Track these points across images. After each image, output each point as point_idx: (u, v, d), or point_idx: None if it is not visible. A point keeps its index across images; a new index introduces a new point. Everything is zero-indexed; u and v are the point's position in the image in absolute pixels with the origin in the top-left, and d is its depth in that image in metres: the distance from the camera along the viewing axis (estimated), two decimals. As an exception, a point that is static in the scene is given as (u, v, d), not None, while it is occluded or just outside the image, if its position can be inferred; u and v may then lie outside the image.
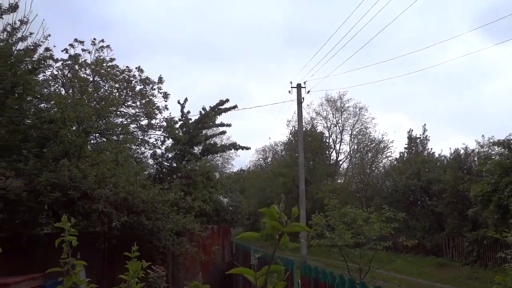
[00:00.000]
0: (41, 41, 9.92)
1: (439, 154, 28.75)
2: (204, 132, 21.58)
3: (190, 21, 75.75)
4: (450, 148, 26.37)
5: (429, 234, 24.67)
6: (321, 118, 45.06)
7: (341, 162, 45.71)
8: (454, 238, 22.23)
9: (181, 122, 20.54)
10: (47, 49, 10.27)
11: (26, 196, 7.76)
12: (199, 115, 20.56)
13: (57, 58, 14.92)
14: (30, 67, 9.75)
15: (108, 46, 17.27)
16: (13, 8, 8.90)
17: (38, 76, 10.86)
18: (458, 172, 23.14)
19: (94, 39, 17.04)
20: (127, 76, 18.00)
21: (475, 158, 24.50)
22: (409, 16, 68.13)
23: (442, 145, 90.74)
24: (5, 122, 8.24)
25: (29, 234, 9.45)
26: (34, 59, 9.90)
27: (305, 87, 23.04)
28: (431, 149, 30.40)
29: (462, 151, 25.11)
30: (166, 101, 18.84)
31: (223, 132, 23.11)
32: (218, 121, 21.27)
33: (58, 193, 8.13)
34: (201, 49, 77.04)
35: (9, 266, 8.90)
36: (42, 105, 10.51)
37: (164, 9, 75.40)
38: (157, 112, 18.57)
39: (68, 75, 16.04)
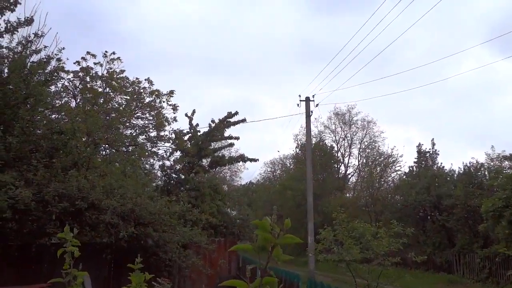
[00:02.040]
0: (55, 54, 10.14)
1: (449, 169, 28.44)
2: (212, 144, 21.68)
3: (203, 35, 76.73)
4: (463, 163, 25.97)
5: (439, 250, 24.27)
6: (330, 131, 45.00)
7: (349, 176, 45.44)
8: (465, 254, 21.83)
9: (190, 134, 20.66)
10: (58, 60, 10.47)
11: (34, 206, 7.84)
12: (208, 128, 20.70)
13: (68, 70, 15.18)
14: (43, 79, 9.94)
15: (118, 58, 17.53)
16: (28, 22, 9.13)
17: (50, 87, 11.05)
18: (468, 187, 22.83)
19: (106, 51, 17.31)
20: (137, 88, 18.21)
21: (486, 173, 24.18)
22: (420, 30, 68.14)
23: (452, 160, 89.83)
24: (16, 132, 8.38)
25: (37, 243, 9.52)
26: (47, 71, 10.10)
27: (313, 101, 23.06)
28: (441, 163, 30.06)
29: (472, 165, 24.82)
30: (175, 113, 18.99)
31: (231, 145, 23.19)
32: (226, 134, 21.39)
33: (66, 203, 8.20)
34: (213, 62, 77.76)
35: (18, 275, 8.95)
36: (53, 116, 10.68)
37: (177, 24, 76.55)
38: (166, 124, 18.71)
39: (79, 87, 16.28)
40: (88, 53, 16.60)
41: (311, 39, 68.72)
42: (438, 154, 30.73)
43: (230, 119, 21.01)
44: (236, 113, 21.09)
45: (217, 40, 75.55)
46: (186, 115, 21.00)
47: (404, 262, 18.87)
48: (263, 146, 75.25)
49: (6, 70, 8.85)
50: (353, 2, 69.53)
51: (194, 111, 21.20)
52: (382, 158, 41.39)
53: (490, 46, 77.03)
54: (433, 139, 31.45)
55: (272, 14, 71.30)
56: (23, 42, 9.42)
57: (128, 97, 18.01)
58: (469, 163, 25.32)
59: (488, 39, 69.95)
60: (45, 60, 9.87)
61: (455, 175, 26.80)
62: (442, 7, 66.58)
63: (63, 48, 10.74)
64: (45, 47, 9.80)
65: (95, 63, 16.87)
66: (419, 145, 31.00)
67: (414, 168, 30.76)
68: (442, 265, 23.48)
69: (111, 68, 17.37)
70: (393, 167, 40.55)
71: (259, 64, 77.23)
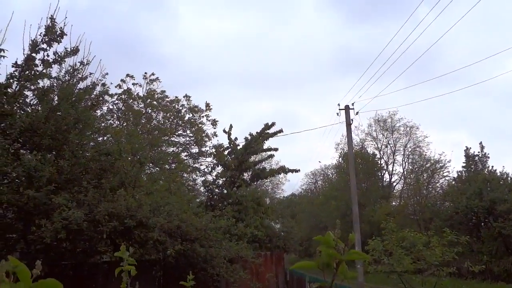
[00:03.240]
0: (99, 80, 10.59)
1: (500, 172, 26.96)
2: (252, 157, 21.74)
3: (240, 52, 78.29)
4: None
5: (496, 258, 22.92)
6: (371, 138, 44.04)
7: (395, 184, 44.12)
8: (526, 262, 20.52)
9: (229, 149, 20.85)
10: (103, 85, 10.93)
11: (86, 226, 8.11)
12: (244, 141, 20.80)
13: (112, 94, 15.81)
14: (89, 104, 10.38)
15: (157, 79, 18.08)
16: (74, 51, 9.60)
17: (97, 111, 11.53)
18: (525, 190, 21.55)
19: (145, 73, 17.93)
20: (176, 106, 18.66)
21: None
22: (460, 32, 65.93)
23: (504, 162, 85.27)
24: (67, 156, 8.75)
25: (90, 262, 9.83)
26: (92, 96, 10.56)
27: (353, 109, 22.69)
28: (492, 166, 28.58)
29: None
30: (215, 128, 19.27)
31: (271, 156, 23.16)
32: (265, 146, 21.40)
33: (116, 222, 8.43)
34: (251, 77, 79.02)
35: (72, 294, 9.26)
36: (99, 138, 11.09)
37: (214, 43, 78.47)
38: (206, 139, 19.01)
39: (122, 108, 16.89)
40: (127, 75, 17.25)
41: (348, 48, 68.31)
42: (488, 157, 29.33)
43: (267, 131, 21.04)
44: (273, 124, 21.10)
45: (255, 55, 76.81)
46: (224, 131, 21.25)
47: (459, 272, 17.95)
48: (304, 157, 74.93)
49: (56, 98, 9.31)
50: (386, 9, 68.48)
51: (231, 126, 21.41)
52: (429, 164, 39.91)
53: (537, 40, 73.02)
54: (481, 142, 30.09)
55: (307, 27, 71.63)
56: (70, 70, 9.90)
57: (168, 115, 18.49)
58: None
59: (534, 33, 66.39)
60: (91, 86, 10.32)
61: (509, 178, 25.40)
62: (481, 6, 64.14)
63: (107, 74, 11.20)
64: (91, 73, 10.26)
65: (133, 84, 17.49)
66: (467, 149, 29.72)
67: (463, 173, 29.46)
68: (500, 274, 22.13)
69: (151, 89, 17.94)
70: (441, 172, 38.99)
71: (296, 76, 77.60)
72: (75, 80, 9.93)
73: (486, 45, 56.54)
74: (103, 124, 13.12)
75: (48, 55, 9.27)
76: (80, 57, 9.93)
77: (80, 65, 9.89)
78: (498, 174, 26.85)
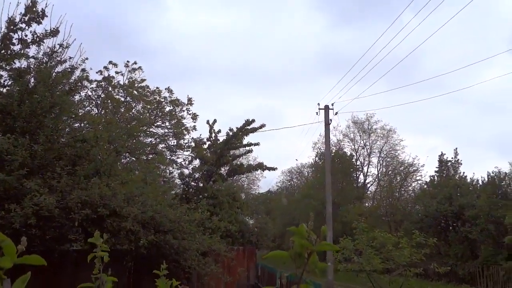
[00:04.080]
0: (78, 64, 10.38)
1: (471, 178, 27.82)
2: (231, 152, 21.74)
3: (227, 47, 78.00)
4: (487, 173, 25.39)
5: (462, 261, 23.67)
6: (348, 140, 44.65)
7: (369, 185, 44.89)
8: (489, 266, 21.24)
9: (209, 142, 20.80)
10: (83, 70, 10.72)
11: (58, 213, 7.97)
12: (226, 136, 20.78)
13: (92, 80, 15.52)
14: (67, 88, 10.17)
15: (140, 68, 17.84)
16: (54, 33, 9.36)
17: (74, 97, 11.30)
18: (492, 197, 22.28)
19: (128, 61, 17.64)
20: (157, 97, 18.47)
21: (510, 182, 23.59)
22: (442, 39, 67.36)
23: (476, 169, 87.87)
24: (41, 140, 8.57)
25: (60, 250, 9.66)
26: (71, 81, 10.34)
27: (333, 109, 22.93)
28: (463, 173, 29.46)
29: (496, 175, 24.25)
30: (194, 122, 19.18)
31: (250, 151, 23.21)
32: (245, 141, 21.45)
33: (88, 210, 8.31)
34: (236, 73, 78.92)
35: (40, 280, 9.09)
36: (76, 124, 10.88)
37: (201, 36, 77.98)
38: (185, 132, 18.89)
39: (102, 96, 16.60)
40: (110, 62, 16.95)
41: (334, 49, 68.90)
42: (461, 164, 30.18)
43: (248, 127, 21.08)
44: (253, 120, 21.15)
45: (241, 51, 76.65)
46: (207, 122, 21.17)
47: (426, 273, 18.48)
48: (282, 155, 75.35)
49: (32, 80, 9.09)
50: (374, 12, 69.35)
51: (215, 120, 21.36)
52: (403, 168, 40.78)
53: (512, 53, 75.43)
54: (456, 148, 30.93)
55: (294, 26, 71.92)
56: (49, 53, 9.66)
57: (149, 106, 18.28)
58: (493, 173, 24.76)
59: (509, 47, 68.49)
60: (69, 70, 10.10)
61: (478, 185, 26.22)
62: (464, 16, 65.77)
63: (87, 58, 11.00)
64: (70, 57, 10.05)
65: (116, 72, 17.21)
66: (442, 155, 30.50)
67: (436, 178, 30.24)
68: (464, 277, 22.88)
69: (132, 78, 17.69)
70: (414, 176, 39.90)
71: (281, 74, 77.86)
72: (53, 62, 9.70)
73: (465, 54, 58.00)
74: (80, 110, 12.88)
75: (26, 35, 9.03)
76: (60, 40, 9.70)
77: (59, 48, 9.66)
78: (469, 180, 27.68)
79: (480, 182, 26.14)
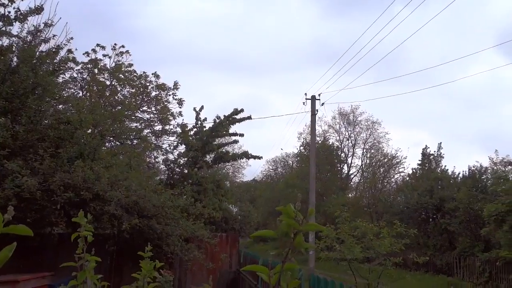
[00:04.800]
0: (64, 44, 10.15)
1: (452, 172, 28.36)
2: (217, 140, 21.66)
3: (217, 33, 77.30)
4: (468, 166, 25.90)
5: (440, 252, 24.24)
6: (334, 131, 44.96)
7: (352, 176, 45.40)
8: (466, 257, 21.80)
9: (195, 129, 20.68)
10: (69, 51, 10.49)
11: (40, 195, 7.88)
12: (213, 123, 20.68)
13: (78, 61, 15.23)
14: (51, 68, 9.96)
15: (127, 52, 17.56)
16: (38, 10, 9.12)
17: (59, 78, 11.08)
18: (472, 191, 22.77)
19: (115, 44, 17.34)
20: (143, 82, 18.24)
21: (489, 176, 24.13)
22: (430, 34, 67.79)
23: (458, 163, 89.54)
24: (24, 121, 8.42)
25: (41, 232, 9.57)
26: (55, 61, 10.12)
27: (319, 99, 23.03)
28: (445, 166, 29.99)
29: (476, 169, 24.76)
30: (180, 107, 19.03)
31: (236, 141, 23.17)
32: (231, 131, 21.38)
33: (71, 194, 8.24)
34: (225, 60, 78.40)
35: (20, 264, 9.01)
36: (60, 106, 10.70)
37: (191, 22, 77.00)
38: (171, 118, 18.74)
39: (87, 79, 16.32)
40: (98, 45, 16.64)
41: (323, 40, 68.85)
42: (443, 157, 30.67)
43: (235, 116, 21.00)
44: (242, 110, 21.05)
45: (231, 39, 76.09)
46: (194, 109, 21.02)
47: (405, 263, 18.88)
48: (268, 144, 75.53)
49: (15, 59, 8.87)
50: (365, 4, 69.37)
51: (202, 107, 21.18)
52: (386, 159, 41.32)
53: (500, 52, 76.66)
54: (440, 142, 31.39)
55: (285, 15, 71.56)
56: (33, 31, 9.43)
57: (134, 90, 18.05)
58: (473, 167, 25.26)
59: (498, 44, 69.45)
60: (54, 50, 9.88)
61: (459, 179, 26.75)
62: (452, 12, 66.26)
63: (72, 38, 10.77)
64: (54, 35, 9.82)
65: (104, 55, 16.92)
66: (425, 148, 30.94)
67: (418, 170, 30.72)
68: (442, 268, 23.46)
69: (119, 61, 17.41)
70: (397, 168, 40.50)
71: (271, 63, 77.67)
72: (37, 41, 9.47)
73: (453, 49, 58.64)
74: (64, 93, 12.66)
75: (9, 12, 8.79)
76: (45, 18, 9.47)
77: (44, 26, 9.43)
78: (450, 173, 28.20)
79: (461, 176, 26.67)
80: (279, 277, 1.08)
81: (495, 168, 25.08)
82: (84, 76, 16.39)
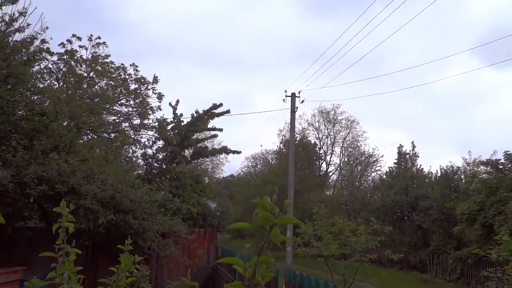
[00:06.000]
0: (39, 33, 9.86)
1: (427, 171, 29.01)
2: (195, 135, 21.53)
3: (201, 29, 76.79)
4: (440, 166, 26.61)
5: (414, 249, 24.78)
6: (313, 129, 45.31)
7: (330, 174, 45.89)
8: (439, 255, 22.36)
9: (173, 124, 20.48)
10: (43, 41, 10.21)
11: (12, 188, 7.67)
12: (191, 118, 20.53)
13: (53, 52, 14.84)
14: (25, 58, 9.68)
15: (104, 43, 17.22)
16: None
17: (33, 68, 10.78)
18: (445, 190, 23.34)
19: (91, 35, 16.98)
20: (122, 74, 17.93)
21: (462, 176, 24.77)
22: (409, 36, 68.99)
23: (433, 163, 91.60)
24: (-4, 112, 8.17)
25: (13, 226, 9.33)
26: (30, 51, 9.83)
27: (299, 97, 23.17)
28: (420, 165, 30.63)
29: (449, 169, 25.38)
30: (160, 102, 18.80)
31: (215, 136, 23.12)
32: (210, 125, 21.28)
33: (45, 187, 8.04)
34: (208, 56, 78.04)
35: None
36: (34, 97, 10.42)
37: (175, 16, 76.20)
38: (150, 112, 18.51)
39: (63, 70, 15.94)
40: (74, 35, 16.26)
41: (305, 39, 69.23)
42: (418, 156, 31.29)
43: (214, 110, 20.90)
44: (221, 104, 20.98)
45: (215, 34, 75.78)
46: (170, 104, 20.81)
47: (380, 260, 19.19)
48: (248, 140, 75.54)
49: (-13, 48, 8.60)
50: (347, 5, 70.03)
51: (178, 101, 21.01)
52: (364, 158, 41.91)
53: (476, 56, 78.57)
54: (413, 141, 32.01)
55: (269, 13, 71.64)
56: (7, 20, 9.15)
57: (113, 83, 17.73)
58: (446, 167, 25.90)
59: (472, 48, 71.25)
60: (28, 40, 9.60)
61: (433, 178, 27.36)
62: (432, 15, 67.53)
63: (47, 28, 10.48)
64: (29, 25, 9.53)
65: (80, 46, 16.55)
66: (400, 147, 31.49)
67: (394, 169, 31.26)
68: (416, 265, 24.00)
69: (96, 53, 17.06)
70: (374, 167, 41.14)
71: (253, 60, 77.71)
72: (11, 30, 9.18)
73: (431, 52, 59.81)
74: (39, 84, 12.34)
75: (-19, 0, 8.50)
76: (20, 7, 9.19)
77: (19, 15, 9.15)
78: (425, 172, 28.81)
79: (435, 175, 27.29)
80: (254, 269, 1.07)
81: (468, 168, 25.79)
82: (60, 67, 16.00)
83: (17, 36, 9.46)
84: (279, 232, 1.08)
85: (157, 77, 18.68)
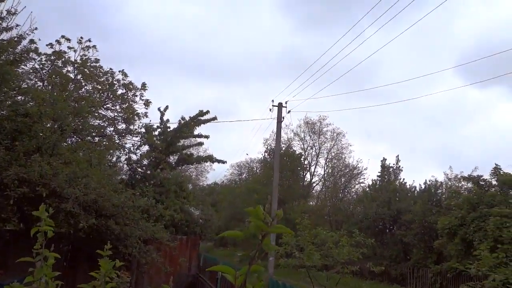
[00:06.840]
0: (27, 33, 9.73)
1: (410, 185, 29.33)
2: (181, 141, 21.43)
3: (191, 38, 77.08)
4: (424, 180, 26.97)
5: (395, 262, 24.94)
6: (299, 139, 45.49)
7: (314, 185, 46.02)
8: (419, 268, 22.55)
9: (160, 130, 20.34)
10: (31, 41, 10.06)
11: (-9, 189, 7.50)
12: (177, 124, 20.44)
13: (41, 52, 14.62)
14: (11, 58, 9.53)
15: (94, 47, 17.06)
16: (1, -2, 8.74)
17: (19, 68, 10.61)
18: (427, 204, 23.62)
19: (81, 37, 16.81)
20: (110, 79, 17.76)
21: (444, 191, 25.13)
22: (396, 52, 70.20)
23: (415, 177, 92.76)
24: (-22, 111, 8.00)
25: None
26: (17, 50, 9.68)
27: (286, 107, 23.26)
28: (403, 179, 30.98)
29: (432, 183, 25.73)
30: (147, 108, 18.63)
31: (201, 144, 23.00)
32: (197, 132, 21.20)
33: (26, 189, 7.88)
34: (198, 64, 78.31)
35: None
36: (18, 97, 10.25)
37: (167, 24, 76.33)
38: (136, 118, 18.32)
39: (50, 71, 15.72)
40: (62, 36, 16.07)
41: (294, 51, 69.94)
42: (402, 170, 31.64)
43: (201, 117, 20.85)
44: (208, 112, 20.93)
45: (205, 43, 76.06)
46: (159, 109, 20.70)
47: (362, 272, 19.27)
48: (234, 149, 75.58)
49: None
50: (336, 20, 71.04)
51: (167, 107, 20.92)
52: (348, 170, 42.18)
53: (460, 75, 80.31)
54: (398, 155, 32.39)
55: (259, 25, 72.31)
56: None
57: (100, 87, 17.53)
58: (429, 181, 26.23)
59: (456, 66, 72.90)
60: (16, 39, 9.46)
61: (416, 192, 27.68)
62: (417, 32, 68.93)
63: (36, 28, 10.36)
64: (17, 25, 9.41)
65: (69, 48, 16.36)
66: (384, 160, 31.81)
67: (377, 182, 31.53)
68: (396, 278, 24.13)
69: (85, 55, 16.89)
70: (358, 179, 41.42)
71: (242, 70, 78.16)
72: (-1, 28, 9.06)
73: (417, 68, 60.88)
74: (24, 84, 12.13)
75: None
76: (8, 6, 9.07)
77: (7, 14, 9.03)
78: (408, 186, 29.13)
79: (418, 189, 27.62)
80: (245, 278, 1.07)
81: (450, 183, 26.19)
82: (47, 68, 15.77)
83: (4, 35, 9.33)
84: (270, 240, 1.09)
85: (145, 84, 18.56)
